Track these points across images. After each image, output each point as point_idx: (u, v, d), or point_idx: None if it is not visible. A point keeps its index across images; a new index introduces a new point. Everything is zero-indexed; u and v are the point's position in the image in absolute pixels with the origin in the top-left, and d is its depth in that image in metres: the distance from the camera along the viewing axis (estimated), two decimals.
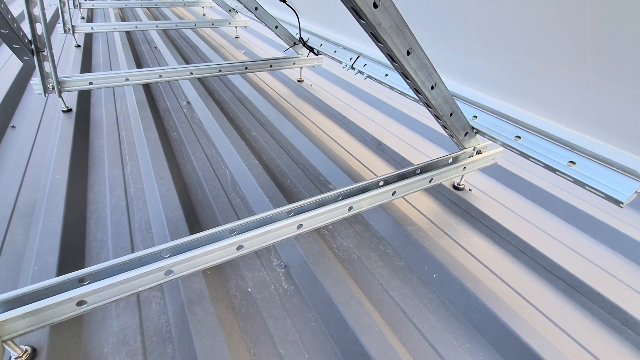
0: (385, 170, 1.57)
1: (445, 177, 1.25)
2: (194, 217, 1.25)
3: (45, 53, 1.65)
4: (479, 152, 1.33)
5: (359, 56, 1.82)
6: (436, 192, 1.41)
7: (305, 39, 2.22)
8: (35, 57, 1.60)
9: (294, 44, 2.28)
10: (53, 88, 1.74)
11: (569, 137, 1.04)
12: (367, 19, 0.75)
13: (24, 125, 1.80)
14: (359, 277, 1.05)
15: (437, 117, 1.16)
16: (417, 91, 1.02)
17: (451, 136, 1.26)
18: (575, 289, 1.03)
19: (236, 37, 3.55)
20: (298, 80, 2.50)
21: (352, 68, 1.85)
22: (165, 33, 3.61)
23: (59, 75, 1.73)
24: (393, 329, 0.91)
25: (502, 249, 1.17)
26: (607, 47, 0.70)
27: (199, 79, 2.43)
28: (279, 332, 0.89)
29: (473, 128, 1.27)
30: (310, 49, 2.24)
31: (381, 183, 1.12)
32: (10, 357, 0.74)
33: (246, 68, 2.19)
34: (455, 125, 1.18)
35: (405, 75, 0.96)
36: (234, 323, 0.90)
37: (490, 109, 1.26)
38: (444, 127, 1.21)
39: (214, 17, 4.05)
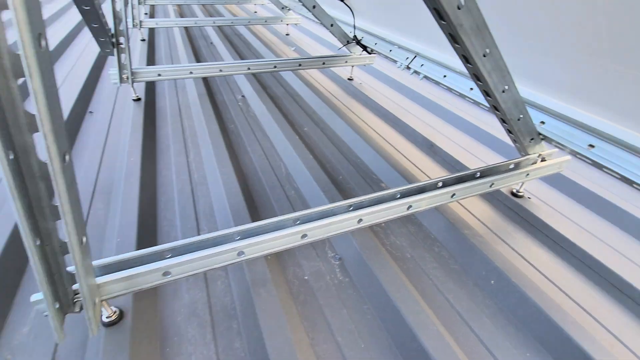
0: (437, 172, 1.55)
1: (506, 183, 1.21)
2: (253, 205, 1.32)
3: (123, 46, 1.80)
4: (543, 160, 1.27)
5: (416, 56, 1.81)
6: (492, 197, 1.37)
7: (359, 38, 2.24)
8: (115, 50, 1.75)
9: (348, 42, 2.30)
10: (127, 78, 1.89)
11: None
12: (449, 19, 0.75)
13: (99, 112, 1.98)
14: (413, 276, 1.06)
15: (502, 121, 1.13)
16: (487, 93, 1.00)
17: (514, 141, 1.22)
18: None
19: (287, 35, 3.63)
20: (348, 79, 2.52)
21: (408, 68, 1.83)
22: (220, 29, 3.78)
23: (133, 67, 1.88)
24: (449, 330, 0.91)
25: (565, 261, 1.12)
26: None
27: (254, 75, 2.53)
28: (335, 321, 0.92)
29: (539, 134, 1.22)
30: (364, 48, 2.25)
31: (440, 184, 1.12)
32: (103, 316, 0.84)
33: (299, 65, 2.25)
34: (521, 130, 1.15)
35: (478, 77, 0.94)
36: (293, 307, 0.95)
37: (560, 114, 1.20)
38: (509, 132, 1.18)
39: (266, 15, 4.18)
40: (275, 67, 2.19)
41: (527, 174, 1.25)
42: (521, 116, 1.10)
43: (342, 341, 0.88)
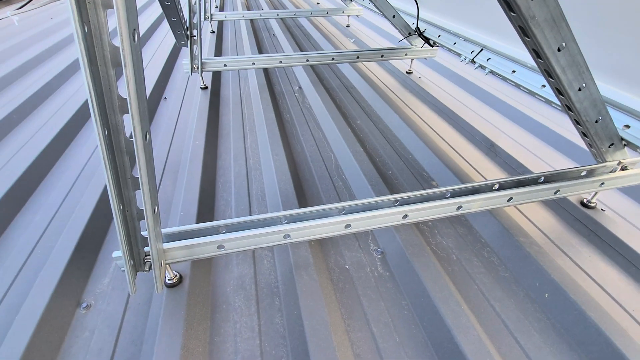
0: (496, 174, 1.46)
1: (575, 191, 1.10)
2: (302, 192, 1.37)
3: (195, 38, 1.96)
4: (624, 168, 1.13)
5: (482, 49, 1.70)
6: (557, 206, 1.26)
7: (422, 30, 2.16)
8: (189, 42, 1.92)
9: (409, 34, 2.23)
10: (197, 68, 2.06)
11: None
12: (519, 11, 0.71)
13: (172, 98, 2.19)
14: (457, 279, 1.03)
15: (577, 122, 1.03)
16: (560, 92, 0.92)
17: (590, 145, 1.10)
18: None
19: (347, 26, 3.62)
20: (407, 72, 2.45)
21: (473, 62, 1.73)
22: (282, 21, 3.89)
23: (202, 58, 2.04)
24: (491, 338, 0.87)
25: (638, 283, 1.00)
26: None
27: (311, 66, 2.58)
28: (372, 312, 0.94)
29: (622, 139, 1.09)
30: (426, 40, 2.16)
31: (496, 187, 1.06)
32: (166, 277, 0.96)
33: (357, 57, 2.24)
34: (599, 134, 1.03)
35: (549, 73, 0.87)
36: (332, 293, 0.98)
37: None
38: (583, 135, 1.07)
39: (328, 6, 4.20)
40: (333, 59, 2.21)
41: (602, 183, 1.12)
42: (600, 118, 0.99)
43: (377, 332, 0.89)
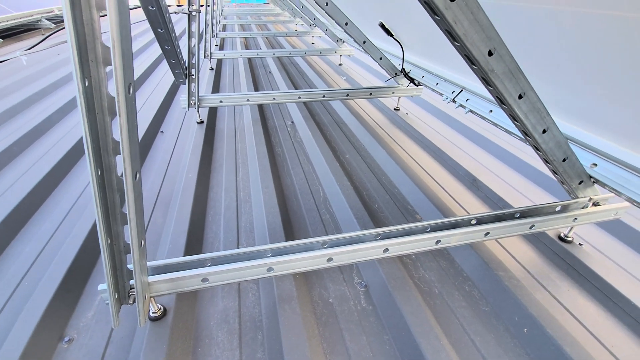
0: (478, 208, 1.51)
1: (550, 227, 1.15)
2: (289, 225, 1.41)
3: (193, 77, 2.08)
4: (596, 204, 1.19)
5: (462, 90, 1.81)
6: (537, 240, 1.30)
7: (407, 71, 2.30)
8: (187, 80, 2.03)
9: (396, 74, 2.38)
10: (194, 104, 2.16)
11: None
12: (479, 65, 0.79)
13: (169, 131, 2.27)
14: (438, 313, 1.04)
15: (546, 162, 1.10)
16: (526, 134, 0.99)
17: (562, 182, 1.17)
18: None
19: (339, 65, 3.83)
20: (394, 109, 2.58)
21: (454, 101, 1.84)
22: (279, 59, 4.11)
23: (200, 94, 2.15)
24: None
25: (616, 318, 1.02)
26: None
27: (304, 103, 2.71)
28: (354, 346, 0.95)
29: (590, 177, 1.15)
30: (412, 80, 2.30)
31: (474, 221, 1.10)
32: (150, 311, 0.96)
33: (347, 95, 2.36)
34: (567, 172, 1.10)
35: (514, 118, 0.95)
36: (314, 327, 0.99)
37: (615, 158, 1.13)
38: (554, 172, 1.13)
39: (322, 46, 4.45)
40: (324, 96, 2.33)
41: (575, 219, 1.17)
42: (566, 157, 1.06)
43: None
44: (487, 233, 1.09)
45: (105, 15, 0.56)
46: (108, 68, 0.57)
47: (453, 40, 0.76)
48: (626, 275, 1.16)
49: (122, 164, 0.61)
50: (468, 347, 0.94)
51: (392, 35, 2.18)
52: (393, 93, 2.42)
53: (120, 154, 0.62)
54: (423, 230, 1.07)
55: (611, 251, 1.26)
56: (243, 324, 1.00)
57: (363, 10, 2.31)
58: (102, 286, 0.81)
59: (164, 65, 3.71)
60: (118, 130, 0.58)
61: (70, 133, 2.09)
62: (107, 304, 0.79)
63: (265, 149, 1.94)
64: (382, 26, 2.16)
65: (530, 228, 1.13)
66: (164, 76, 3.32)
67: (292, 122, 2.42)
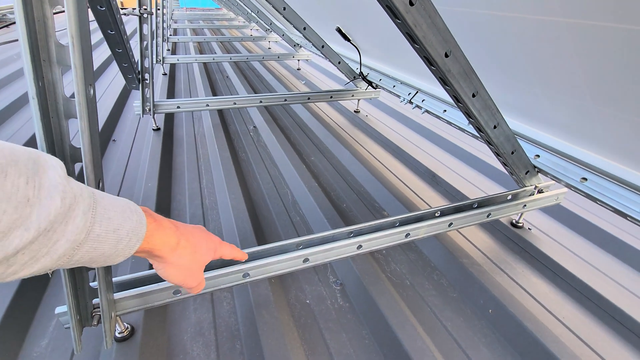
0: (439, 202, 1.60)
1: (503, 214, 1.25)
2: (260, 230, 1.38)
3: (147, 81, 1.97)
4: (540, 191, 1.32)
5: (417, 91, 1.92)
6: (492, 228, 1.41)
7: (365, 74, 2.38)
8: (140, 85, 1.92)
9: (354, 77, 2.45)
10: (149, 110, 2.05)
11: None
12: (437, 66, 0.85)
13: (122, 140, 2.12)
14: (411, 303, 1.08)
15: (497, 155, 1.20)
16: (479, 129, 1.08)
17: (511, 173, 1.28)
18: None
19: (298, 69, 3.85)
20: (355, 111, 2.65)
21: (410, 102, 1.94)
22: (236, 64, 4.04)
23: (155, 100, 2.04)
24: (446, 357, 0.92)
25: (565, 292, 1.13)
26: None
27: (265, 107, 2.68)
28: (334, 344, 0.95)
29: (535, 167, 1.28)
30: (370, 83, 2.38)
31: (437, 214, 1.17)
32: (116, 331, 0.89)
33: (308, 98, 2.39)
34: (516, 163, 1.21)
35: (469, 115, 1.02)
36: (293, 330, 0.99)
37: (554, 149, 1.26)
38: (504, 164, 1.24)
39: (279, 51, 4.45)
40: (285, 100, 2.34)
41: (524, 205, 1.29)
42: (514, 150, 1.17)
43: None
44: (451, 224, 1.16)
45: (58, 12, 0.52)
46: (62, 69, 0.53)
47: (413, 42, 0.81)
48: (569, 253, 1.29)
49: (84, 172, 0.56)
50: (441, 333, 0.99)
51: (349, 40, 2.25)
52: (353, 96, 2.49)
53: (80, 161, 0.57)
54: (392, 225, 1.11)
55: (555, 233, 1.40)
56: (219, 334, 0.97)
57: (320, 15, 2.35)
58: (61, 308, 0.74)
59: (113, 69, 3.48)
60: (78, 135, 0.54)
61: (24, 128, 1.88)
62: (68, 327, 0.72)
63: (229, 154, 1.89)
64: (339, 31, 2.21)
65: (488, 216, 1.22)
66: (114, 80, 3.11)
67: (255, 126, 2.39)
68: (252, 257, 0.95)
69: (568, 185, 1.21)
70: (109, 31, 1.35)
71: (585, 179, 1.15)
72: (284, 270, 0.96)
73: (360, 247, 1.04)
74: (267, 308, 1.00)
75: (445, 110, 1.73)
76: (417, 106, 1.90)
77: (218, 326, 0.99)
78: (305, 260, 0.98)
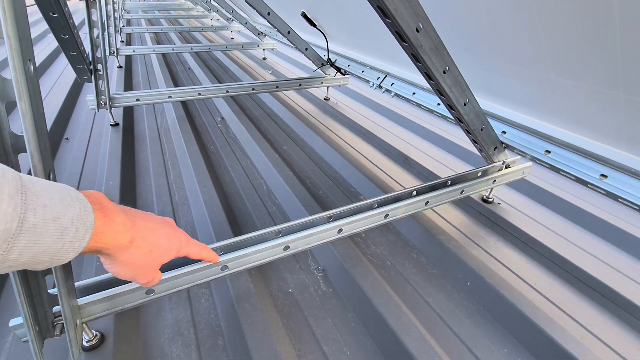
0: (413, 183, 1.62)
1: (475, 190, 1.29)
2: (235, 222, 1.33)
3: (101, 73, 1.82)
4: (507, 166, 1.37)
5: (386, 76, 1.92)
6: (465, 204, 1.45)
7: (333, 60, 2.35)
8: (92, 77, 1.77)
9: (322, 64, 2.41)
10: (105, 104, 1.90)
11: (600, 151, 1.08)
12: (409, 41, 0.84)
13: (76, 138, 1.96)
14: (394, 283, 1.09)
15: (467, 132, 1.22)
16: (451, 107, 1.09)
17: (480, 150, 1.31)
18: (612, 301, 1.04)
19: (263, 59, 3.75)
20: (324, 99, 2.62)
21: (380, 87, 1.94)
22: (197, 55, 3.85)
23: (111, 93, 1.90)
24: (430, 332, 0.94)
25: (534, 260, 1.19)
26: (638, 63, 0.75)
27: (232, 97, 2.59)
28: (320, 331, 0.94)
29: (502, 143, 1.32)
30: (338, 69, 2.36)
31: (414, 193, 1.18)
32: (83, 340, 0.82)
33: (277, 87, 2.32)
34: (485, 140, 1.24)
35: (440, 92, 1.03)
36: (278, 320, 0.96)
37: (519, 124, 1.31)
38: (474, 142, 1.27)
39: (242, 41, 4.30)
40: (253, 89, 2.26)
41: (494, 181, 1.33)
42: (483, 127, 1.20)
43: (328, 350, 0.89)
44: (427, 202, 1.17)
45: None
46: None
47: (385, 16, 0.79)
48: (536, 224, 1.36)
49: (29, 162, 0.49)
50: (424, 309, 1.01)
51: (315, 25, 2.20)
52: (322, 83, 2.46)
53: (24, 151, 0.50)
54: (371, 207, 1.11)
55: (522, 206, 1.47)
56: (199, 332, 0.92)
57: (283, 0, 2.28)
58: (16, 320, 0.66)
59: (62, 61, 3.19)
60: (21, 119, 0.47)
61: None
62: (26, 341, 0.65)
63: (197, 147, 1.80)
64: (305, 16, 2.16)
65: (461, 193, 1.25)
66: (63, 73, 2.85)
67: (222, 117, 2.30)
68: (231, 249, 0.91)
69: (533, 159, 1.27)
70: (51, 13, 1.22)
71: (549, 151, 1.21)
72: (264, 260, 0.93)
73: (340, 230, 1.03)
74: (249, 300, 0.97)
75: (414, 93, 1.75)
76: (387, 90, 1.91)
77: (197, 324, 0.94)
78: (286, 247, 0.95)
